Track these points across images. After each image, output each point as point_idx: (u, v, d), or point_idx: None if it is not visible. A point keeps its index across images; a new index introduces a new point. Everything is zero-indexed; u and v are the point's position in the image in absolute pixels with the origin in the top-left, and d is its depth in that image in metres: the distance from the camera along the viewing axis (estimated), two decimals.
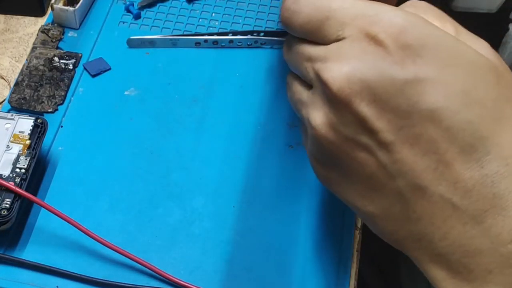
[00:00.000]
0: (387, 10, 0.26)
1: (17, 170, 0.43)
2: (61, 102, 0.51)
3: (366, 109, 0.25)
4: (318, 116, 0.27)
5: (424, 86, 0.24)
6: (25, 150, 0.44)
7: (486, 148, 0.23)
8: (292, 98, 0.31)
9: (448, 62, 0.24)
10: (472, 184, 0.24)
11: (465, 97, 0.24)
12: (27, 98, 0.50)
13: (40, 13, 0.59)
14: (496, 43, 0.96)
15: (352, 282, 0.43)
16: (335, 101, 0.26)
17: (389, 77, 0.24)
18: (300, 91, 0.30)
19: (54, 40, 0.55)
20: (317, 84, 0.27)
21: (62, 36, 0.56)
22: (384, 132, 0.25)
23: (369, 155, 0.26)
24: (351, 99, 0.25)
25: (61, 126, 0.50)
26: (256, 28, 0.58)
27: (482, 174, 0.23)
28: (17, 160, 0.43)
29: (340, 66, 0.26)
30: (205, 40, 0.56)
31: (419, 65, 0.24)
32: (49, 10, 0.57)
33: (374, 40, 0.25)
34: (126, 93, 0.53)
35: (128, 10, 0.59)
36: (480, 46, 0.27)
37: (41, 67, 0.53)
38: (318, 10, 0.27)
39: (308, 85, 0.29)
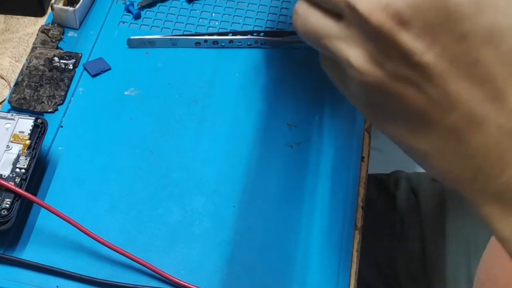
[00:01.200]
0: None
1: (17, 170, 0.43)
2: (61, 102, 0.51)
3: (412, 40, 0.22)
4: (357, 53, 0.24)
5: (481, 3, 0.22)
6: (25, 150, 0.44)
7: None
8: (311, 30, 0.27)
9: None
10: None
11: None
12: (27, 98, 0.50)
13: (40, 13, 0.59)
14: None
15: (352, 282, 0.43)
16: (376, 35, 0.23)
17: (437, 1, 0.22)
18: (323, 23, 0.26)
19: (54, 40, 0.55)
20: (350, 14, 0.24)
21: (62, 36, 0.56)
22: (433, 64, 0.23)
23: (419, 90, 0.24)
24: (394, 31, 0.22)
25: (61, 126, 0.50)
26: (256, 28, 0.58)
27: None
28: (17, 160, 0.43)
29: None
30: (205, 40, 0.56)
31: None
32: (49, 10, 0.57)
33: None
34: (126, 93, 0.53)
35: (128, 10, 0.59)
36: None
37: (41, 67, 0.53)
38: None
39: (335, 15, 0.26)
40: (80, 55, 0.54)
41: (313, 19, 0.26)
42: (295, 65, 0.55)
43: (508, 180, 0.23)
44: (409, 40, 0.22)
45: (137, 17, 0.58)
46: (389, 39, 0.23)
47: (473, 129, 0.23)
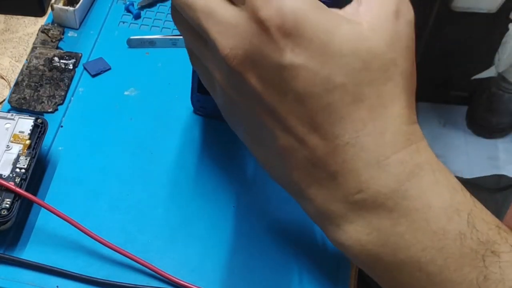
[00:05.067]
0: None
1: (17, 170, 0.43)
2: (61, 102, 0.51)
3: (255, 82, 0.29)
4: (219, 75, 0.30)
5: (297, 72, 0.28)
6: (25, 150, 0.44)
7: (342, 125, 0.28)
8: (190, 48, 0.33)
9: (319, 51, 0.28)
10: (326, 152, 0.29)
11: (328, 84, 0.28)
12: (27, 98, 0.50)
13: (40, 13, 0.59)
14: (496, 43, 0.96)
15: (352, 282, 0.43)
16: (231, 70, 0.29)
17: (271, 60, 0.28)
18: (198, 46, 0.31)
19: (54, 40, 0.55)
20: (214, 48, 0.29)
21: (62, 36, 0.56)
22: (269, 102, 0.29)
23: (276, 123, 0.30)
24: (243, 71, 0.28)
25: (61, 126, 0.50)
26: None
27: (335, 145, 0.29)
28: (17, 160, 0.43)
29: (232, 42, 0.28)
30: None
31: (295, 53, 0.27)
32: (49, 10, 0.57)
33: (262, 25, 0.28)
34: (126, 93, 0.53)
35: (128, 10, 0.59)
36: (378, 14, 0.29)
37: (41, 67, 0.53)
38: None
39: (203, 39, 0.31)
40: (80, 55, 0.54)
41: (188, 39, 0.32)
42: None
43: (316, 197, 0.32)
44: (253, 80, 0.29)
45: (137, 17, 0.58)
46: (240, 75, 0.29)
47: (291, 152, 0.30)
